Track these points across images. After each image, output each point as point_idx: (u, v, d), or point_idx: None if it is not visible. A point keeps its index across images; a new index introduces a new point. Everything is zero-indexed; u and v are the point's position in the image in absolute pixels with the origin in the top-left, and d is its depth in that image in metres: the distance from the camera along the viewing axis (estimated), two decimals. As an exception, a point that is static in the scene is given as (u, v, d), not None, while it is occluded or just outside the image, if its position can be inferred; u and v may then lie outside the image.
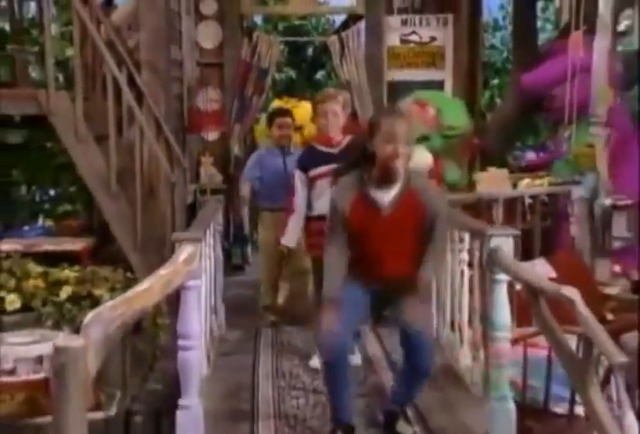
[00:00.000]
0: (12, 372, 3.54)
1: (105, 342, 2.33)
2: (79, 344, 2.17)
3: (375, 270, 3.03)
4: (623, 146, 6.10)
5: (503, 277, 2.93)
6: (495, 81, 11.04)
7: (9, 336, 3.68)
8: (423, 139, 5.62)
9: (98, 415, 3.63)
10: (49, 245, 5.46)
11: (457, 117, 6.22)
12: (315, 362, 3.92)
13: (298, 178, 3.94)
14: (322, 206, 3.78)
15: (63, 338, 2.26)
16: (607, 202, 5.84)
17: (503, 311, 2.93)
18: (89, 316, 2.34)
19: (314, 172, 3.88)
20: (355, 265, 3.04)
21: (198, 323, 2.93)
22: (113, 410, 3.75)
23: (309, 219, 3.97)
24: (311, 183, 3.91)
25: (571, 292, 2.60)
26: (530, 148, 12.18)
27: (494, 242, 2.98)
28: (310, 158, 3.94)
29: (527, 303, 2.90)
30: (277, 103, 5.99)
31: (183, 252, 2.79)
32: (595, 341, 2.47)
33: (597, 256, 5.86)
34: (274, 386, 3.70)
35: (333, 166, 3.78)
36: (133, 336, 4.14)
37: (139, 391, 4.08)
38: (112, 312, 2.37)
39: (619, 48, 9.23)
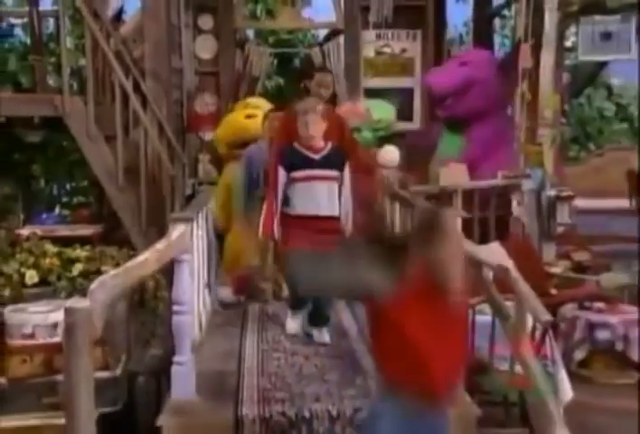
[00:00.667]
0: (31, 336, 3.63)
1: (108, 305, 2.42)
2: (85, 306, 2.27)
3: None
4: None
5: (451, 251, 3.02)
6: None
7: (29, 306, 3.78)
8: (356, 131, 5.66)
9: (106, 374, 3.74)
10: (64, 231, 5.56)
11: (384, 113, 6.27)
12: (290, 326, 3.96)
13: (281, 176, 3.72)
14: (303, 206, 3.71)
15: (72, 300, 2.34)
16: (552, 193, 5.99)
17: None
18: (95, 283, 2.43)
19: (295, 173, 3.71)
20: None
21: (190, 292, 3.02)
22: (119, 371, 3.86)
23: (289, 216, 3.78)
24: (290, 182, 3.73)
25: (506, 262, 2.73)
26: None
27: (444, 222, 3.07)
28: (293, 158, 3.76)
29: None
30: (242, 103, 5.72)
31: (177, 230, 2.88)
32: (525, 302, 2.59)
33: (543, 240, 5.99)
34: (258, 349, 3.76)
35: (315, 172, 3.70)
36: (137, 308, 4.25)
37: (142, 355, 4.17)
38: (114, 280, 2.45)
39: (567, 62, 9.40)
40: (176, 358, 2.99)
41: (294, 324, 3.97)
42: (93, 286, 2.38)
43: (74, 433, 2.19)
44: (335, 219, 3.75)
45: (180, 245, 2.85)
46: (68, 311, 2.26)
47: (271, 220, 3.78)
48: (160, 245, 2.76)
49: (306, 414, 2.94)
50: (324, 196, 3.72)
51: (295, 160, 3.75)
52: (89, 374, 2.26)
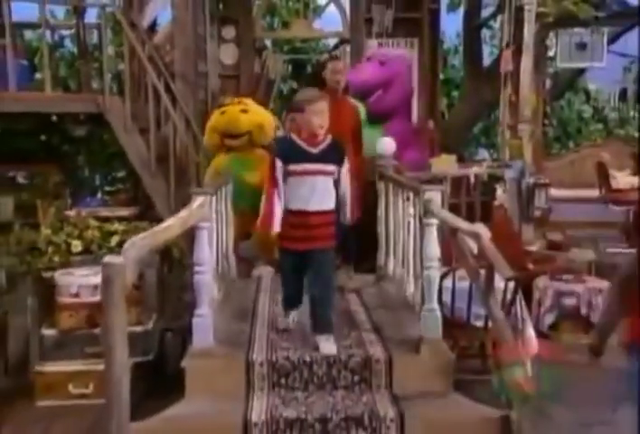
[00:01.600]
0: (77, 295, 3.78)
1: (138, 262, 2.52)
2: (120, 261, 2.38)
3: None
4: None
5: (433, 221, 3.08)
6: (455, 93, 11.19)
7: (75, 271, 3.93)
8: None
9: (139, 329, 3.88)
10: (105, 212, 5.66)
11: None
12: (282, 325, 3.51)
13: (279, 169, 3.17)
14: (298, 202, 3.17)
15: (109, 257, 2.45)
16: (531, 181, 6.05)
17: (433, 246, 3.08)
18: (127, 243, 2.54)
19: (291, 167, 3.16)
20: None
21: (209, 254, 3.11)
22: (150, 326, 4.00)
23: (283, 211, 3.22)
24: (285, 175, 3.18)
25: (480, 229, 2.80)
26: (482, 146, 12.35)
27: (427, 195, 3.15)
28: (290, 152, 3.21)
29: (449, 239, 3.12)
30: (235, 100, 5.14)
31: (197, 201, 3.00)
32: (493, 263, 2.67)
33: (523, 222, 6.06)
34: (269, 310, 3.85)
35: (313, 166, 3.17)
36: (166, 275, 4.38)
37: (171, 315, 4.31)
38: (143, 241, 2.56)
39: (550, 70, 9.43)
40: (197, 311, 3.10)
41: (285, 323, 3.50)
42: (126, 245, 2.49)
43: (111, 376, 2.32)
44: (328, 213, 3.23)
45: (200, 214, 2.96)
46: (105, 265, 2.37)
47: (272, 212, 3.19)
48: (183, 213, 2.89)
49: (307, 359, 3.06)
50: (317, 190, 3.17)
51: (293, 153, 3.20)
52: (122, 319, 2.36)
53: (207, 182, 4.62)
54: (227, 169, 4.48)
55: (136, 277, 2.53)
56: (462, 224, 2.88)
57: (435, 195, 3.13)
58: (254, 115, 4.83)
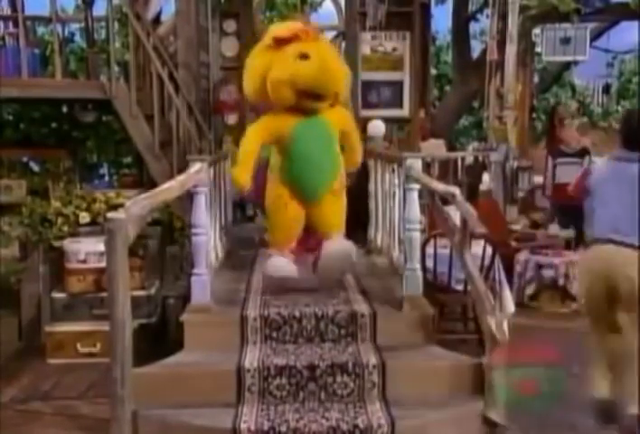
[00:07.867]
0: (84, 261, 3.90)
1: (139, 218, 2.64)
2: (122, 216, 2.49)
3: None
4: None
5: (414, 186, 3.17)
6: (447, 88, 11.28)
7: (82, 239, 4.05)
8: None
9: (143, 293, 4.00)
10: (112, 193, 5.77)
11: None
12: None
13: None
14: None
15: (112, 213, 2.56)
16: (515, 164, 6.15)
17: (414, 210, 3.16)
18: (130, 201, 2.66)
19: None
20: None
21: (205, 218, 3.21)
22: (153, 291, 4.12)
23: None
24: None
25: (453, 189, 2.92)
26: (474, 139, 12.42)
27: (408, 162, 3.25)
28: None
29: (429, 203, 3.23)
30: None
31: (194, 167, 3.11)
32: (466, 217, 2.77)
33: (507, 203, 6.17)
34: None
35: None
36: (167, 244, 4.49)
37: (172, 284, 4.42)
38: (144, 200, 2.67)
39: (539, 66, 9.51)
40: (195, 270, 3.19)
41: None
42: (128, 203, 2.60)
43: (116, 336, 2.42)
44: None
45: (197, 178, 3.07)
46: (109, 220, 2.48)
47: None
48: (181, 177, 3.01)
49: (297, 314, 3.16)
50: None
51: None
52: (124, 266, 2.47)
53: (249, 136, 3.41)
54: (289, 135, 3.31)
55: (137, 232, 2.62)
56: (439, 186, 2.99)
57: (415, 162, 3.23)
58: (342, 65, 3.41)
